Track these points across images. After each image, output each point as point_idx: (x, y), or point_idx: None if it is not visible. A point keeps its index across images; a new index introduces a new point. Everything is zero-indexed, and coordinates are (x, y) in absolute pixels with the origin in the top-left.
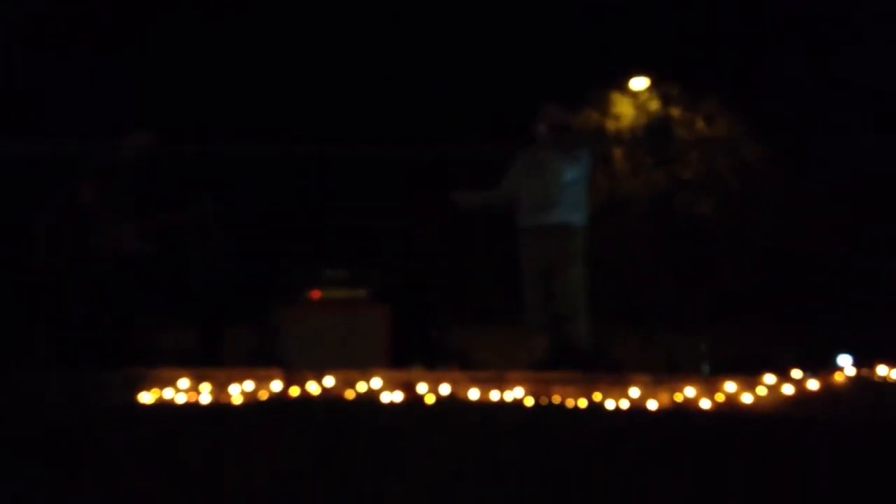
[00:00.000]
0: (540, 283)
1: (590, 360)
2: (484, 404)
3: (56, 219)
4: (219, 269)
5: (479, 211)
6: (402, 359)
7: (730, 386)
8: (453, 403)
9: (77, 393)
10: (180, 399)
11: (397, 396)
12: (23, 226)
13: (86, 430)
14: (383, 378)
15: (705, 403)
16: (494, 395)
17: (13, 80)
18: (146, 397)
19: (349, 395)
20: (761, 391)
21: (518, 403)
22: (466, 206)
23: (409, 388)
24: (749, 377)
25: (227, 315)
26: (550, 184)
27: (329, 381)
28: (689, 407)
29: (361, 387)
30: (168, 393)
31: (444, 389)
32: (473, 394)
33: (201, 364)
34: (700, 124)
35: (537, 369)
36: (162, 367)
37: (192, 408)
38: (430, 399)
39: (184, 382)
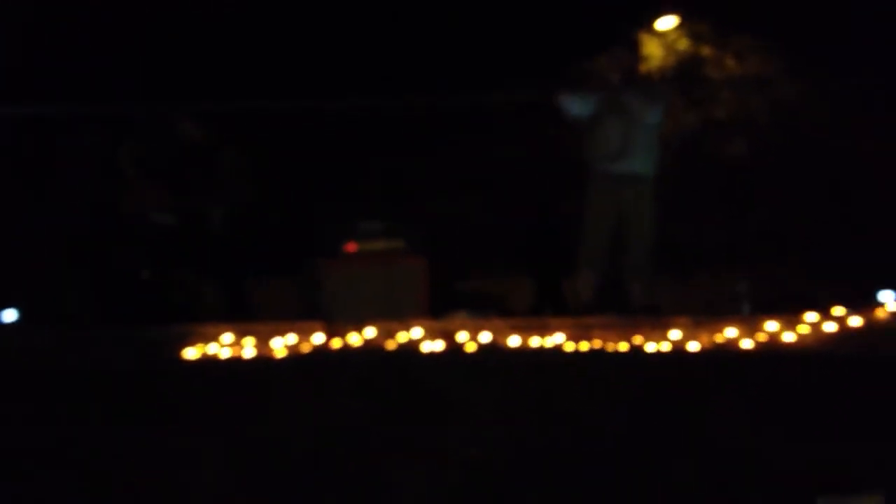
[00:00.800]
0: (606, 231)
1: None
2: (525, 351)
3: (92, 178)
4: (238, 222)
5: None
6: (440, 309)
7: (771, 325)
8: (494, 351)
9: (123, 349)
10: (224, 354)
11: (438, 346)
12: (59, 185)
13: (132, 384)
14: (424, 328)
15: (747, 343)
16: (535, 342)
17: (46, 38)
18: (191, 353)
19: (390, 345)
20: (803, 329)
21: (558, 349)
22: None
23: (449, 337)
24: (790, 316)
25: (250, 269)
26: (631, 130)
27: (370, 332)
28: (731, 348)
29: (402, 337)
30: (212, 348)
31: (485, 337)
32: (514, 341)
33: (232, 319)
34: (731, 62)
35: (582, 313)
36: (205, 322)
37: (236, 362)
38: (470, 347)
39: (227, 337)
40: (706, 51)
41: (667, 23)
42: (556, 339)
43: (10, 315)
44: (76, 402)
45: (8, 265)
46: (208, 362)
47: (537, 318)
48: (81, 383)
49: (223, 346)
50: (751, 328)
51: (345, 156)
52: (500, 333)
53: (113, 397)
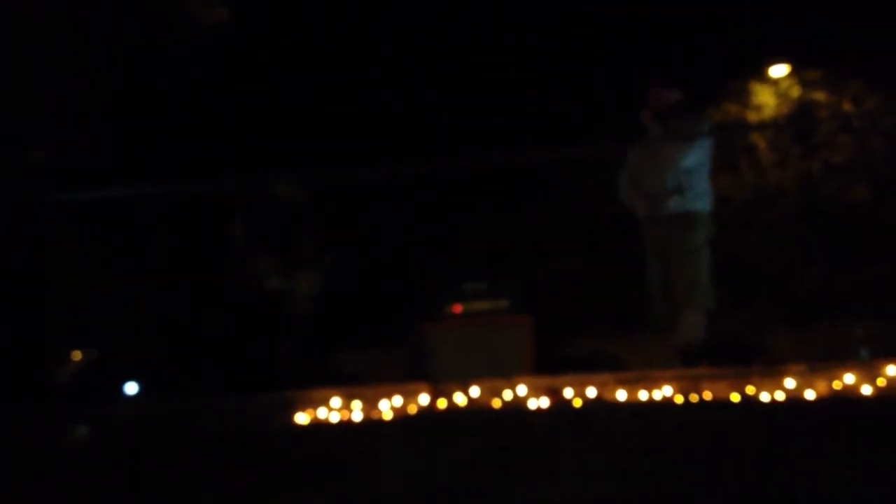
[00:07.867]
0: (659, 274)
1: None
2: (632, 404)
3: (204, 254)
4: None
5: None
6: (547, 369)
7: (892, 369)
8: (601, 406)
9: (236, 416)
10: (334, 418)
11: (544, 402)
12: (173, 262)
13: (245, 451)
14: (528, 385)
15: (866, 389)
16: (643, 395)
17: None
18: (302, 418)
19: (496, 403)
20: None
21: (668, 402)
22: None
23: (555, 394)
24: None
25: (329, 338)
26: (665, 171)
27: (475, 391)
28: (850, 394)
29: (507, 395)
30: (322, 412)
31: (591, 392)
32: (621, 395)
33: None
34: (847, 106)
35: (688, 363)
36: (314, 388)
37: (345, 425)
38: (577, 403)
39: (336, 401)
40: (820, 96)
41: (778, 71)
42: (665, 391)
43: (132, 388)
44: (193, 469)
45: (128, 340)
46: (319, 426)
47: (643, 371)
48: (198, 450)
49: (332, 411)
50: (870, 374)
51: (448, 217)
52: (606, 388)
53: (230, 462)
